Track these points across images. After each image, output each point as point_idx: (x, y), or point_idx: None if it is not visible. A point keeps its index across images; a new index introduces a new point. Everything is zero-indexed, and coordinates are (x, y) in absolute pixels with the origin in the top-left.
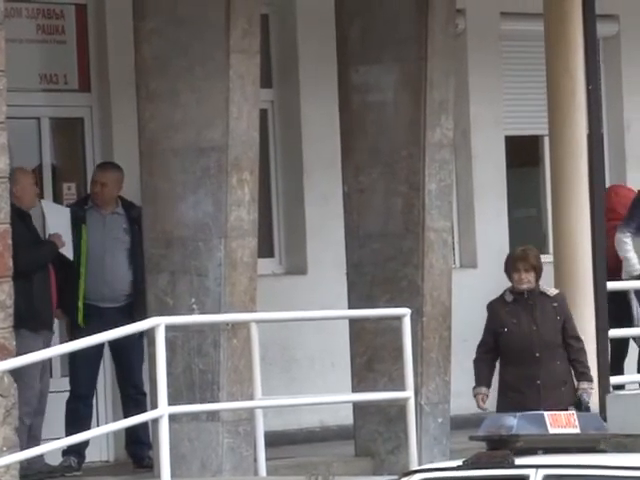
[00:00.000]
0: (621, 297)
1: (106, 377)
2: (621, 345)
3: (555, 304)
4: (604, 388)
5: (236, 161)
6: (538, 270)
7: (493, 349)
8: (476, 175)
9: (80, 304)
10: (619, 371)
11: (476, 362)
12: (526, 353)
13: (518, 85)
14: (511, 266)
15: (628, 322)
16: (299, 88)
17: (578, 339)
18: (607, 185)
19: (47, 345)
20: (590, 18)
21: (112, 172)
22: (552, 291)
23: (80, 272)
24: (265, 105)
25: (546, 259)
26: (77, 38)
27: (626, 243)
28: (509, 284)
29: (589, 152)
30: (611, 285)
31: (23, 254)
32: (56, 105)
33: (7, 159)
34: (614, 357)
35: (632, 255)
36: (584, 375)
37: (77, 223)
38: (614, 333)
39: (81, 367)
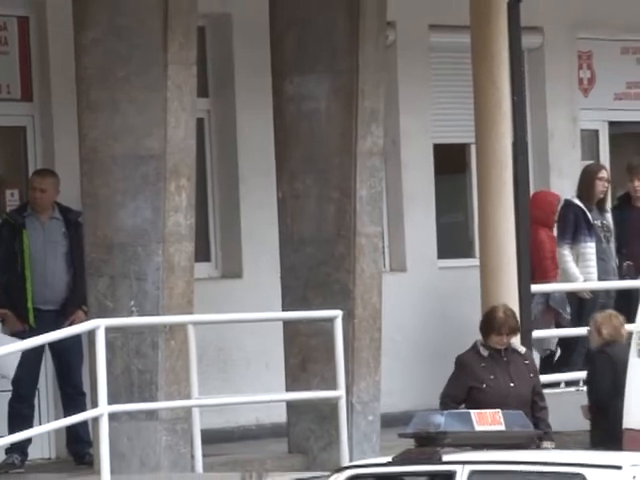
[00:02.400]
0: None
1: (47, 377)
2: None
3: (527, 362)
4: None
5: (174, 168)
6: (517, 331)
7: (461, 402)
8: (405, 182)
9: (30, 305)
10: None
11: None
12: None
13: (446, 95)
14: (494, 329)
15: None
16: (235, 98)
17: (542, 397)
18: (531, 192)
19: None
20: (515, 30)
21: (50, 178)
22: (521, 348)
23: (26, 275)
24: (202, 114)
25: (472, 263)
26: (19, 49)
27: (565, 255)
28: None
29: (514, 160)
30: (535, 287)
31: None
32: None
33: None
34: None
35: (572, 265)
36: (547, 435)
37: (18, 229)
38: (537, 334)
39: (22, 368)
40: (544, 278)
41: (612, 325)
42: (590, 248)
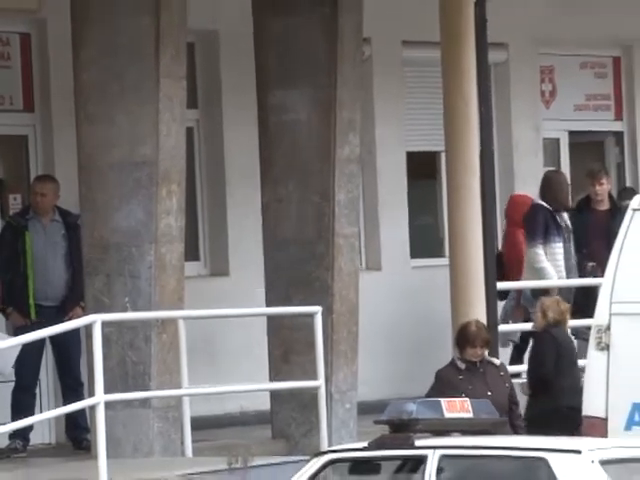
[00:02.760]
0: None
1: (48, 369)
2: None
3: (502, 373)
4: None
5: (165, 174)
6: (490, 343)
7: None
8: (380, 187)
9: (32, 302)
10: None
11: None
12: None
13: (418, 107)
14: (468, 342)
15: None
16: (222, 109)
17: (517, 405)
18: (497, 197)
19: None
20: (482, 46)
21: (50, 183)
22: (496, 361)
23: (28, 274)
24: (191, 124)
25: (443, 262)
26: (22, 63)
27: (539, 254)
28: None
29: (481, 167)
30: (501, 285)
31: None
32: (2, 124)
33: None
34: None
35: (547, 265)
36: None
37: (20, 231)
38: (503, 328)
39: (25, 360)
40: (520, 276)
41: (559, 310)
42: (559, 248)
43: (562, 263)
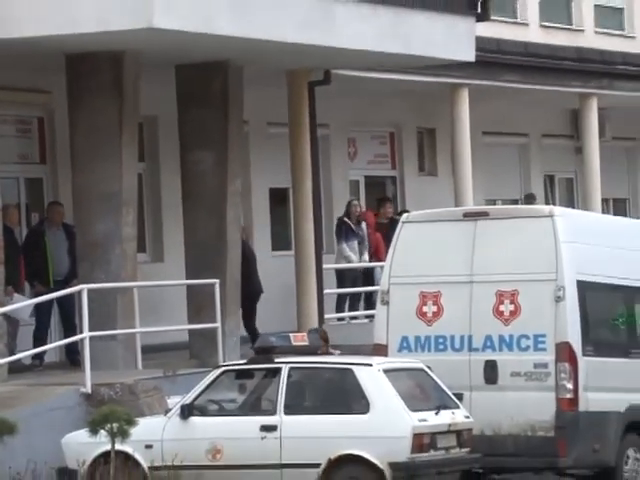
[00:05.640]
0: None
1: (55, 316)
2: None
3: None
4: (320, 321)
5: (126, 201)
6: (326, 339)
7: None
8: (254, 208)
9: (50, 278)
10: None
11: None
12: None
13: (275, 161)
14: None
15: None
16: (159, 163)
17: None
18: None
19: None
20: (313, 127)
21: (62, 207)
22: (335, 352)
23: (48, 261)
24: (141, 171)
25: (290, 253)
26: (38, 135)
27: (345, 249)
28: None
29: (313, 198)
30: (325, 266)
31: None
32: (27, 171)
33: (0, 200)
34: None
35: (351, 254)
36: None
37: (41, 236)
38: (328, 290)
39: (42, 312)
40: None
41: (245, 233)
42: (353, 244)
43: (357, 252)
